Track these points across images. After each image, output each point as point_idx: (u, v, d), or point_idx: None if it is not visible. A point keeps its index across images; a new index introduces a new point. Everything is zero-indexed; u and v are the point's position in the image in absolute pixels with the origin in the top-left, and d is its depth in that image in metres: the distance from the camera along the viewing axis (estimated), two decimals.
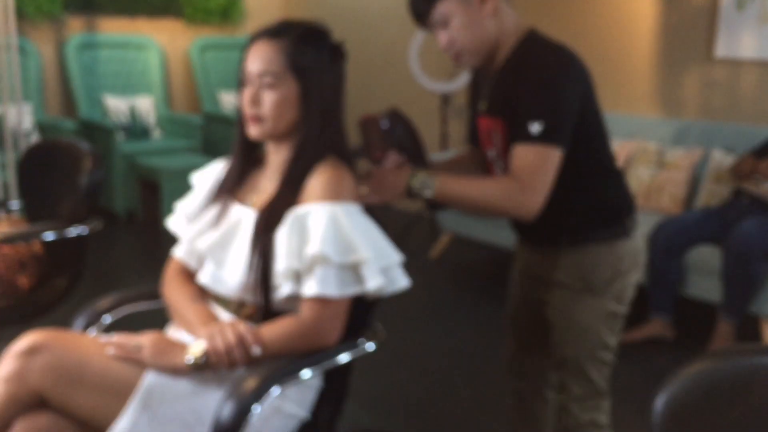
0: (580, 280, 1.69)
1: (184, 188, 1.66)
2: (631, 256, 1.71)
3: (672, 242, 3.13)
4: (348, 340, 1.48)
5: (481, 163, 1.82)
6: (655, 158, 3.69)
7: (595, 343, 1.72)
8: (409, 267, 1.50)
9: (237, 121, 1.54)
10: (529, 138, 1.51)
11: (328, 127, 1.47)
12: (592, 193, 1.67)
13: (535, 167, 1.52)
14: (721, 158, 3.51)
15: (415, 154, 1.63)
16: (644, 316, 3.23)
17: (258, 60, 1.44)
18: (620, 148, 3.82)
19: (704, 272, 3.10)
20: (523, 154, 1.53)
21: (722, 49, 3.75)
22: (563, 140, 1.53)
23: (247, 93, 1.46)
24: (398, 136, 1.62)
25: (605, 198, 1.69)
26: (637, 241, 1.75)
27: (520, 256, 1.86)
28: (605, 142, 1.70)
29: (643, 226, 3.28)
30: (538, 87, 1.53)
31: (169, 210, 1.66)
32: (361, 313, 1.52)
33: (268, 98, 1.44)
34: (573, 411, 1.77)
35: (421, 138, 1.67)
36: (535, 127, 1.51)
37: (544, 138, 1.51)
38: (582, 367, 1.73)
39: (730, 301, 2.99)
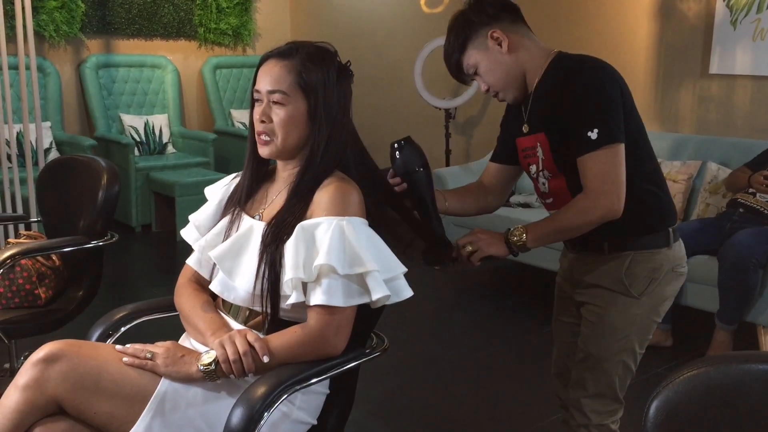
0: (618, 283, 1.74)
1: (197, 202, 1.69)
2: (670, 265, 1.75)
3: None
4: (354, 347, 1.50)
5: (504, 180, 1.93)
6: None
7: (622, 345, 1.75)
8: (414, 276, 1.55)
9: (248, 137, 1.59)
10: (590, 146, 1.62)
11: (335, 142, 1.52)
12: (637, 200, 1.69)
13: (604, 172, 1.62)
14: (717, 171, 3.58)
15: (424, 178, 1.73)
16: None
17: (268, 79, 1.49)
18: None
19: (701, 281, 3.15)
20: (590, 164, 1.63)
21: (717, 65, 3.83)
22: (620, 136, 1.63)
23: (258, 110, 1.52)
24: (405, 160, 1.73)
25: (649, 206, 1.73)
26: (679, 251, 1.78)
27: (563, 262, 1.92)
28: (648, 148, 1.76)
29: None
30: (582, 96, 1.63)
31: (182, 223, 1.71)
32: (367, 321, 1.56)
33: (278, 115, 1.49)
34: (585, 409, 1.79)
35: (428, 166, 1.76)
36: (593, 135, 1.61)
37: (603, 142, 1.61)
38: (603, 365, 1.76)
39: (726, 309, 3.04)
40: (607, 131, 1.61)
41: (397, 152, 1.73)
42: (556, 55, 1.75)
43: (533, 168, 1.80)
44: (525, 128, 1.79)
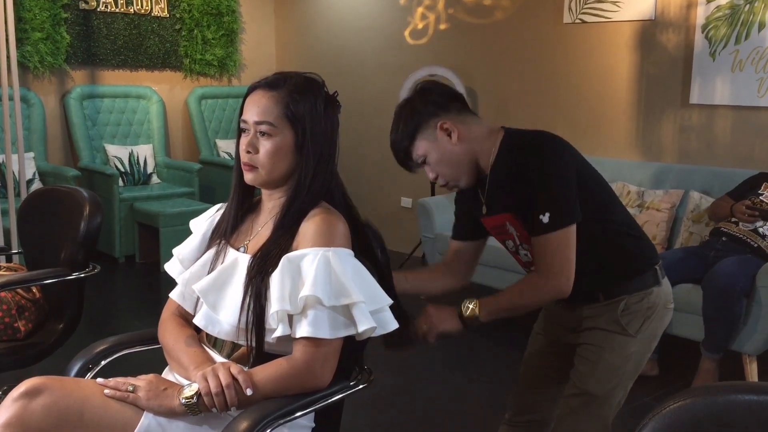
0: (615, 324, 1.78)
1: (181, 232, 1.69)
2: (663, 301, 1.81)
3: None
4: (339, 380, 1.49)
5: (469, 256, 1.96)
6: (636, 200, 3.80)
7: (617, 383, 1.80)
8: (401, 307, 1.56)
9: (234, 167, 1.58)
10: (542, 229, 1.68)
11: (321, 173, 1.51)
12: (619, 247, 1.77)
13: (554, 252, 1.68)
14: (699, 200, 3.61)
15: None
16: None
17: (255, 110, 1.49)
18: None
19: (686, 310, 3.16)
20: (540, 245, 1.70)
21: (697, 95, 3.89)
22: (571, 217, 1.68)
23: (244, 141, 1.51)
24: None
25: (631, 249, 1.79)
26: (668, 287, 1.84)
27: (550, 309, 1.95)
28: (615, 203, 1.82)
29: None
30: (535, 181, 1.68)
31: (167, 254, 1.70)
32: (352, 353, 1.54)
33: (264, 146, 1.49)
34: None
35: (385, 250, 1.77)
36: (545, 218, 1.67)
37: (554, 226, 1.67)
38: (599, 402, 1.80)
39: (712, 338, 3.05)
40: (558, 215, 1.67)
41: None
42: (504, 133, 1.78)
43: (510, 243, 1.84)
44: (484, 210, 1.82)
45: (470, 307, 1.74)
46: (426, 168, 1.80)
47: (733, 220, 3.30)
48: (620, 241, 1.77)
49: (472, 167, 1.78)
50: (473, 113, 1.81)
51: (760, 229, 3.23)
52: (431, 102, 1.76)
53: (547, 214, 1.66)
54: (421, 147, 1.76)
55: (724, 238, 3.27)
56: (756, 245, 3.20)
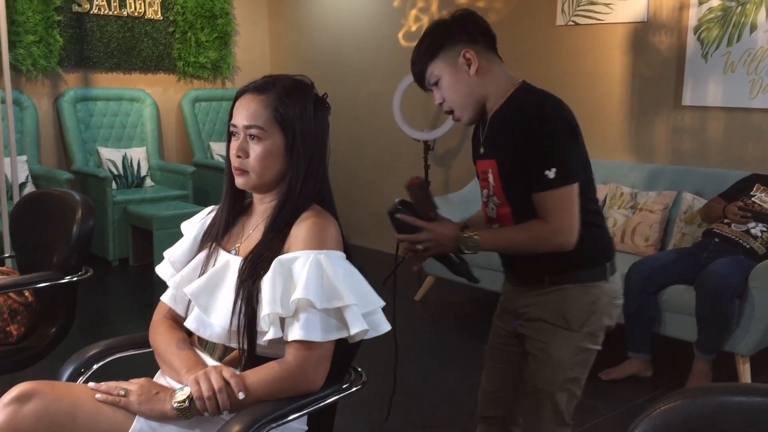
0: (560, 318, 1.80)
1: (175, 235, 1.69)
2: (608, 297, 1.83)
3: (647, 282, 3.21)
4: (332, 383, 1.49)
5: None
6: (629, 201, 3.81)
7: (567, 376, 1.83)
8: (391, 309, 1.56)
9: (225, 171, 1.58)
10: (548, 185, 1.68)
11: (312, 176, 1.51)
12: (581, 241, 1.75)
13: (560, 209, 1.70)
14: (692, 201, 3.63)
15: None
16: (623, 355, 3.30)
17: (244, 114, 1.49)
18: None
19: (679, 311, 3.17)
20: (548, 200, 1.70)
21: (690, 97, 3.90)
22: (576, 176, 1.71)
23: (234, 145, 1.51)
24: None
25: (590, 241, 1.78)
26: (615, 284, 1.86)
27: (505, 292, 1.99)
28: (594, 191, 1.84)
29: (619, 267, 3.39)
30: (542, 136, 1.69)
31: (160, 256, 1.68)
32: (345, 355, 1.55)
33: (254, 150, 1.49)
34: None
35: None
36: (551, 174, 1.67)
37: (560, 181, 1.68)
38: (553, 397, 1.84)
39: (705, 339, 3.06)
40: (565, 172, 1.69)
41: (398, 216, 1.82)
42: (520, 85, 1.80)
43: (485, 192, 1.87)
44: (481, 150, 1.85)
45: (471, 240, 1.75)
46: (435, 92, 1.82)
47: (726, 221, 3.31)
48: (586, 230, 1.78)
49: (478, 104, 1.80)
50: (498, 56, 1.83)
51: (753, 230, 3.24)
52: (464, 29, 1.79)
53: (554, 170, 1.67)
54: (439, 67, 1.78)
55: (716, 239, 3.28)
56: (748, 246, 3.21)
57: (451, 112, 1.83)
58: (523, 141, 1.70)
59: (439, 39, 1.79)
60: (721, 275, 3.01)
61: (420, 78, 1.83)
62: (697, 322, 3.07)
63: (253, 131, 1.48)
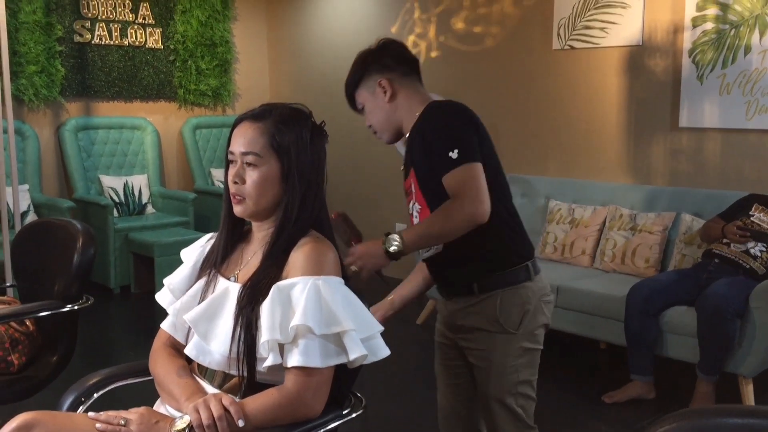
0: (495, 323, 1.88)
1: (176, 262, 1.70)
2: (538, 296, 1.92)
3: (647, 303, 3.21)
4: (331, 408, 1.49)
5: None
6: (629, 223, 3.82)
7: (515, 379, 1.89)
8: (395, 332, 1.57)
9: (224, 197, 1.60)
10: (452, 164, 1.79)
11: (309, 202, 1.53)
12: (497, 237, 1.88)
13: (467, 182, 1.78)
14: (691, 222, 3.64)
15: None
16: (625, 378, 3.29)
17: (241, 140, 1.51)
18: (595, 213, 3.96)
19: (680, 332, 3.17)
20: (455, 177, 1.80)
21: (686, 119, 3.93)
22: (478, 156, 1.82)
23: (232, 171, 1.53)
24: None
25: (507, 243, 1.91)
26: (542, 282, 1.95)
27: (442, 310, 2.06)
28: (506, 187, 1.95)
29: (619, 288, 3.41)
30: (444, 126, 1.85)
31: (162, 284, 1.71)
32: (344, 381, 1.55)
33: (251, 176, 1.50)
34: None
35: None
36: (454, 155, 1.79)
37: (463, 159, 1.79)
38: (506, 403, 1.89)
39: (707, 360, 3.05)
40: (467, 151, 1.80)
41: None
42: (428, 104, 1.94)
43: (411, 204, 1.98)
44: (402, 168, 2.00)
45: (394, 240, 1.79)
46: (365, 115, 2.01)
47: (725, 241, 3.32)
48: (500, 230, 1.87)
49: (394, 127, 1.98)
50: (418, 80, 2.00)
51: (752, 250, 3.25)
52: (380, 60, 1.97)
53: (456, 151, 1.78)
54: (362, 96, 1.99)
55: (716, 260, 3.28)
56: (748, 266, 3.21)
57: (375, 133, 2.02)
58: (430, 135, 1.84)
59: (359, 69, 1.98)
60: (722, 296, 3.01)
61: (351, 103, 2.03)
62: (699, 343, 3.06)
63: (249, 158, 1.50)
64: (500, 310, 1.88)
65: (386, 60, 1.96)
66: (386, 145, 2.08)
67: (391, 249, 1.78)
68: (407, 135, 1.96)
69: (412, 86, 1.97)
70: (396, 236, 1.79)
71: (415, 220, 1.95)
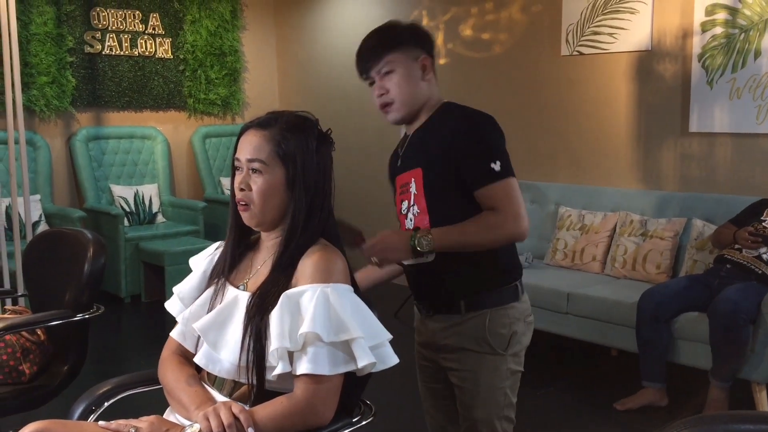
0: (483, 344, 1.81)
1: (187, 270, 1.71)
2: (523, 317, 1.87)
3: (659, 310, 3.19)
4: (341, 416, 1.49)
5: None
6: (640, 229, 3.80)
7: (501, 401, 1.84)
8: (403, 342, 1.56)
9: (230, 206, 1.60)
10: (495, 176, 1.74)
11: (316, 210, 1.53)
12: (489, 257, 1.80)
13: (510, 197, 1.74)
14: (702, 227, 3.61)
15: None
16: (637, 385, 3.26)
17: (247, 148, 1.52)
18: (605, 220, 3.95)
19: (693, 339, 3.14)
20: (497, 191, 1.74)
21: (696, 124, 3.91)
22: (513, 172, 1.78)
23: (238, 178, 1.55)
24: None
25: (498, 261, 1.83)
26: (526, 303, 1.90)
27: (423, 330, 1.96)
28: None
29: (630, 295, 3.39)
30: (482, 135, 1.77)
31: (172, 292, 1.72)
32: (353, 389, 1.55)
33: (256, 183, 1.51)
34: None
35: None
36: (497, 167, 1.73)
37: (505, 173, 1.75)
38: (493, 426, 1.83)
39: (719, 366, 3.03)
40: (507, 165, 1.76)
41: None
42: (445, 104, 1.87)
43: (405, 204, 1.89)
44: (399, 163, 1.90)
45: (426, 239, 1.71)
46: (380, 82, 1.84)
47: (737, 246, 3.29)
48: (497, 249, 1.80)
49: (414, 109, 1.85)
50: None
51: (764, 255, 3.23)
52: (428, 40, 1.87)
53: (498, 163, 1.73)
54: (398, 59, 1.81)
55: (728, 266, 3.26)
56: (760, 272, 3.19)
57: (387, 105, 1.85)
58: (459, 142, 1.75)
59: (407, 35, 1.84)
60: (734, 302, 2.99)
61: (371, 61, 1.83)
62: (712, 349, 3.03)
63: (255, 165, 1.51)
64: (489, 331, 1.81)
65: (432, 44, 1.87)
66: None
67: (422, 248, 1.71)
68: (416, 127, 1.86)
69: (436, 80, 1.90)
70: (429, 236, 1.72)
71: (409, 224, 1.87)
